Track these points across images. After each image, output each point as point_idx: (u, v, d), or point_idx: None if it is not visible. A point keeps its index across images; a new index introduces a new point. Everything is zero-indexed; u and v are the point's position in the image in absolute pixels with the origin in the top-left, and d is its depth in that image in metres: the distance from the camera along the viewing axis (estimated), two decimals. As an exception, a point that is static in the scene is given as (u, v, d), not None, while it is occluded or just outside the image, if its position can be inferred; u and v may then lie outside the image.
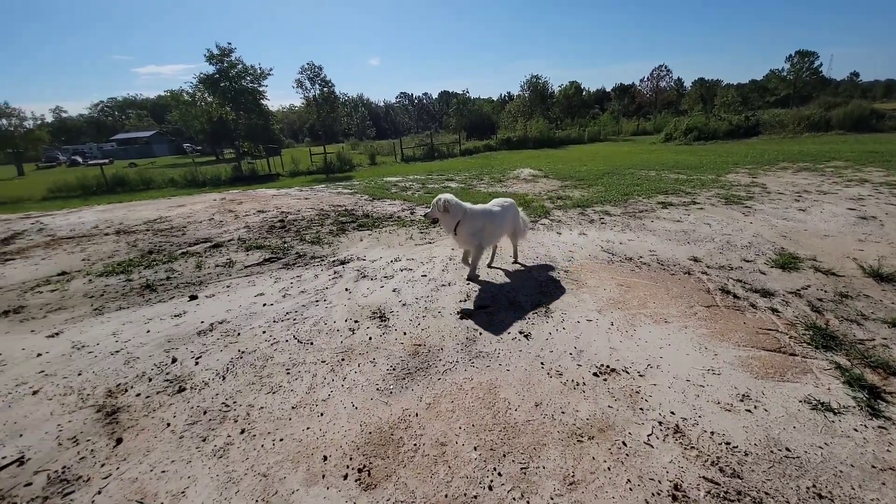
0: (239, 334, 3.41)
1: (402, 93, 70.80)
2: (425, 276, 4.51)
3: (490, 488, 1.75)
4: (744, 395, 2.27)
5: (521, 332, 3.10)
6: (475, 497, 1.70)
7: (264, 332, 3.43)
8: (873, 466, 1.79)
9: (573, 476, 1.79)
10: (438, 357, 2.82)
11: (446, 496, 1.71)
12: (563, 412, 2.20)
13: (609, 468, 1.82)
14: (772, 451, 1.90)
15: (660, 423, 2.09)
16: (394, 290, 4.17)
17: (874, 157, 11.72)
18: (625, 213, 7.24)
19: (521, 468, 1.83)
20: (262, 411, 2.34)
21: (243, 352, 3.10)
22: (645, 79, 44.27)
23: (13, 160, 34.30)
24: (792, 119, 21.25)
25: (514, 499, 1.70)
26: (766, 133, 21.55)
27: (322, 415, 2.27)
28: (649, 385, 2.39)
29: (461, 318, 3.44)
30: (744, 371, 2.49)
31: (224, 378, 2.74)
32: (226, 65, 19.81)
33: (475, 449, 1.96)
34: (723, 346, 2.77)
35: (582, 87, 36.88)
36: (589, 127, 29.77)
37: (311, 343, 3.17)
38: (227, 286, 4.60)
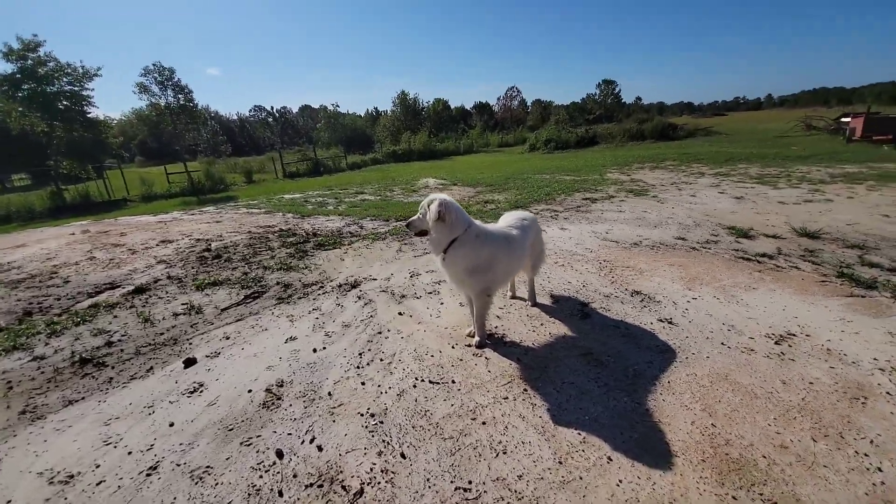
0: (331, 395, 2.44)
1: (257, 106, 63.24)
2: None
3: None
4: (892, 332, 2.64)
5: (660, 320, 3.01)
6: None
7: (363, 383, 2.53)
8: None
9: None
10: (629, 361, 2.51)
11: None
12: (810, 382, 2.19)
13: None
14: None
15: (882, 369, 2.26)
16: (461, 305, 3.60)
17: (689, 157, 15.37)
18: (568, 210, 7.83)
19: (870, 440, 1.74)
20: (529, 483, 1.67)
21: (373, 414, 2.21)
22: (500, 98, 50.32)
23: None
24: (619, 132, 26.58)
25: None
26: (603, 143, 26.45)
27: (618, 467, 1.74)
28: (828, 344, 2.57)
29: (581, 318, 3.16)
30: (862, 315, 2.90)
31: (404, 456, 1.88)
32: (31, 62, 14.19)
33: (819, 437, 1.77)
34: (818, 300, 3.19)
35: (448, 103, 39.54)
36: (463, 140, 31.86)
37: (453, 381, 2.47)
38: (226, 337, 3.30)
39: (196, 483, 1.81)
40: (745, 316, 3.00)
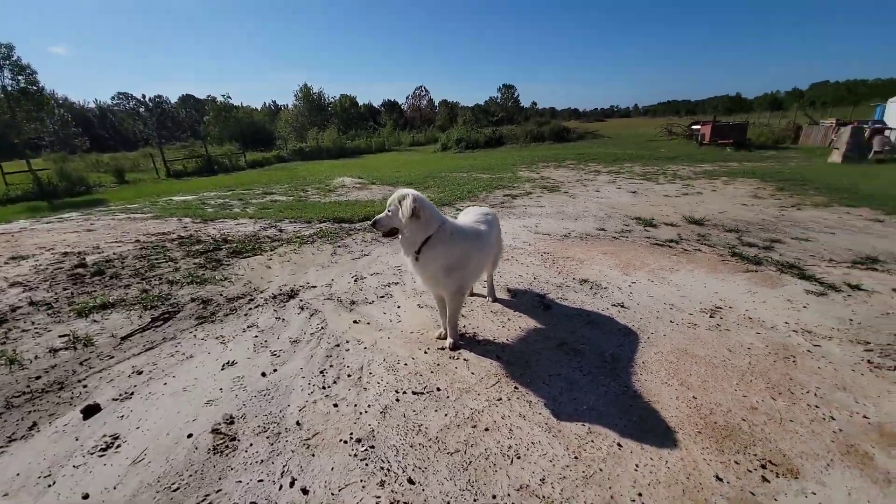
0: (300, 424, 2.10)
1: (122, 93, 52.17)
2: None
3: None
4: (790, 300, 3.18)
5: (613, 305, 3.22)
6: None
7: (336, 405, 2.24)
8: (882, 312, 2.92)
9: (824, 375, 2.15)
10: (602, 347, 2.61)
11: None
12: (748, 347, 2.52)
13: (816, 368, 2.28)
14: (842, 321, 2.80)
15: (795, 331, 2.71)
16: (419, 307, 3.44)
17: (584, 157, 17.10)
18: (493, 206, 8.10)
19: (813, 393, 2.05)
20: (554, 485, 1.60)
21: (359, 439, 1.95)
22: (409, 97, 50.42)
23: None
24: (522, 133, 28.50)
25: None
26: (509, 143, 28.10)
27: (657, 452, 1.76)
28: (747, 313, 3.00)
29: (544, 310, 3.24)
30: (762, 287, 3.46)
31: (413, 482, 1.67)
32: None
33: (776, 395, 2.02)
34: (726, 276, 3.73)
35: (356, 100, 38.18)
36: (375, 138, 31.10)
37: (438, 389, 2.31)
38: (137, 372, 2.66)
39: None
40: (678, 295, 3.38)
